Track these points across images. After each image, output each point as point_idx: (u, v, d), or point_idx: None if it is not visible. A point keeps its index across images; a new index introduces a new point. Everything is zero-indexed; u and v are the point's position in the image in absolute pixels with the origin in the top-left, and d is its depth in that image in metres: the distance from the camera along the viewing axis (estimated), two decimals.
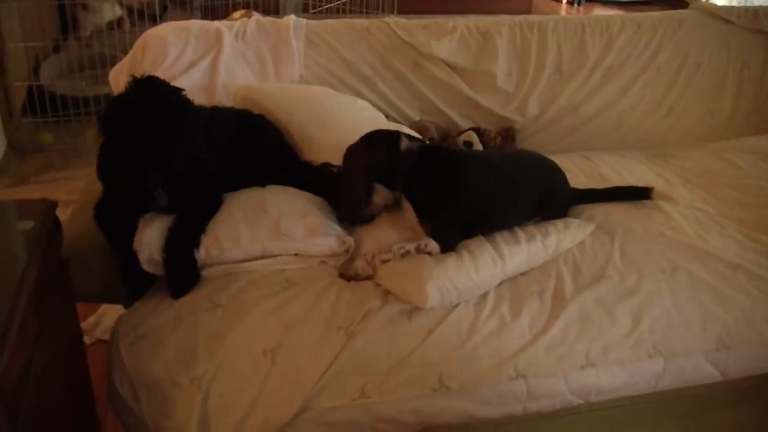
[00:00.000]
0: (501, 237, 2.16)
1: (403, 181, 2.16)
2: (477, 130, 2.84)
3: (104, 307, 2.84)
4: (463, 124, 2.94)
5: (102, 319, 2.79)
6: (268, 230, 2.06)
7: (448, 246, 2.09)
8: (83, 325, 2.71)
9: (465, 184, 2.16)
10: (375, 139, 2.19)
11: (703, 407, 2.18)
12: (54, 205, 1.64)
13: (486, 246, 2.10)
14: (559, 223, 2.26)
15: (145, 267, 1.97)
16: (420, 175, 2.15)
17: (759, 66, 3.25)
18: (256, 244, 2.05)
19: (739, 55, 3.24)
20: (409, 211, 2.16)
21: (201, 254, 2.01)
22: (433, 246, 2.07)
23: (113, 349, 1.92)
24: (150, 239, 1.99)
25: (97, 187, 2.12)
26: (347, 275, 2.08)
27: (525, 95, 2.99)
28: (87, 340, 2.68)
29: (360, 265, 2.08)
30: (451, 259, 2.02)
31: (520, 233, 2.18)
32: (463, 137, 2.78)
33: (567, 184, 2.42)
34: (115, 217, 2.04)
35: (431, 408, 1.86)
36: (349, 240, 2.12)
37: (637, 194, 2.53)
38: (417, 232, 2.13)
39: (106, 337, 2.42)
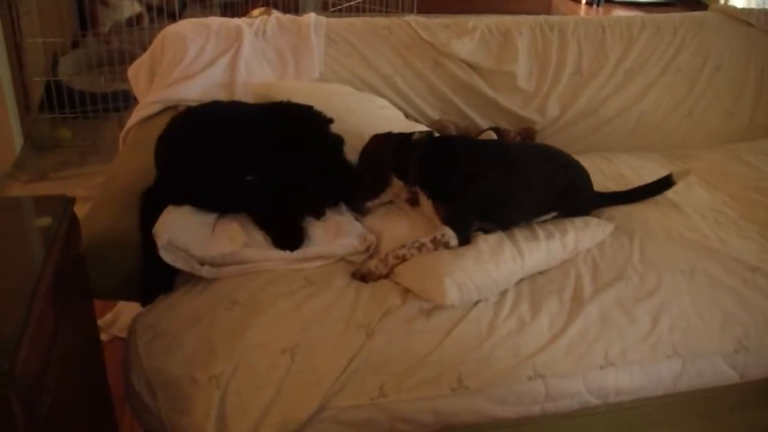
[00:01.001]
0: (520, 234, 2.15)
1: (417, 172, 2.18)
2: (496, 130, 2.83)
3: (121, 304, 2.84)
4: (483, 123, 2.93)
5: (119, 316, 2.80)
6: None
7: (463, 232, 2.09)
8: (99, 322, 2.72)
9: (479, 170, 2.18)
10: (385, 135, 2.25)
11: (721, 409, 2.18)
12: (72, 201, 1.64)
13: (505, 242, 2.09)
14: (578, 222, 2.26)
15: (162, 253, 1.95)
16: (433, 163, 2.17)
17: None
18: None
19: (758, 57, 3.22)
20: (424, 200, 2.18)
21: (220, 249, 2.01)
22: (449, 233, 2.07)
23: (130, 346, 1.92)
24: (172, 223, 1.99)
25: (115, 185, 2.13)
26: (360, 273, 2.07)
27: (545, 96, 2.98)
28: (103, 337, 2.69)
29: (373, 264, 2.07)
30: (470, 255, 2.01)
31: (539, 231, 2.18)
32: (483, 137, 2.77)
33: (590, 183, 2.41)
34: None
35: (449, 408, 1.85)
36: (371, 237, 2.12)
37: (660, 187, 2.51)
38: (434, 223, 2.14)
39: (123, 334, 2.43)
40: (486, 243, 2.07)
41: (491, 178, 2.19)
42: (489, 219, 2.18)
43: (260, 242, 2.07)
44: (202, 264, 2.01)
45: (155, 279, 2.03)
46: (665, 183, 2.50)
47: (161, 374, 1.84)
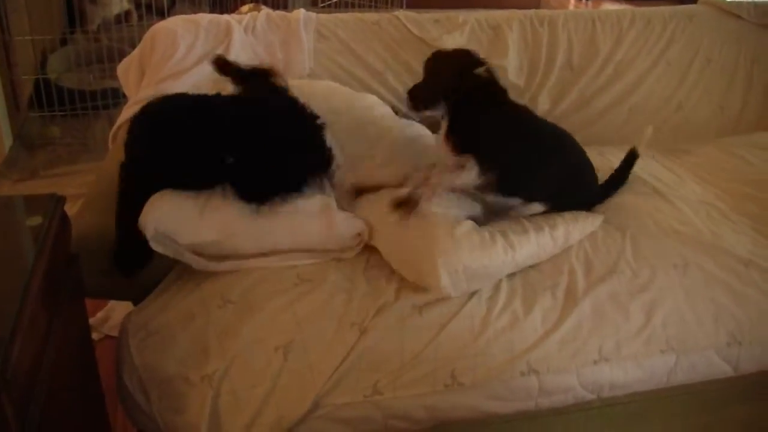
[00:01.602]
0: (509, 227, 2.13)
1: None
2: None
3: (112, 302, 2.84)
4: None
5: (111, 314, 2.79)
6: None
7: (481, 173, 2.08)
8: (91, 321, 2.71)
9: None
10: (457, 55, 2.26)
11: (715, 403, 2.18)
12: (62, 200, 1.63)
13: (496, 234, 2.08)
14: (568, 215, 2.25)
15: (152, 244, 1.94)
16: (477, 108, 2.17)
17: None
18: (267, 238, 2.04)
19: (749, 50, 3.22)
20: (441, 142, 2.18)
21: (209, 236, 2.00)
22: (471, 163, 2.06)
23: (122, 345, 1.92)
24: (158, 212, 1.97)
25: (106, 182, 2.12)
26: (399, 200, 2.07)
27: (536, 90, 2.98)
28: (95, 336, 2.68)
29: (419, 192, 2.07)
30: (464, 243, 2.00)
31: (528, 224, 2.16)
32: None
33: (595, 178, 2.42)
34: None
35: (444, 404, 1.86)
36: (365, 232, 2.11)
37: (629, 163, 2.51)
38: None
39: (115, 333, 2.42)
40: (478, 234, 2.06)
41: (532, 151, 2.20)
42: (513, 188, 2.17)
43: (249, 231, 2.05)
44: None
45: (132, 253, 2.01)
46: (632, 157, 2.50)
47: (154, 373, 1.83)
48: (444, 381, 1.84)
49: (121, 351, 1.91)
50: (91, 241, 1.95)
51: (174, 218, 1.97)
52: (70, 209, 1.71)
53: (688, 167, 2.77)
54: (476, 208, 2.16)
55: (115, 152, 2.45)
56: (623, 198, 2.51)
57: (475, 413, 1.89)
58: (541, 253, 2.14)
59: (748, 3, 3.28)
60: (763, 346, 2.10)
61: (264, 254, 2.06)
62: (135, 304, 2.03)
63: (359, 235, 2.11)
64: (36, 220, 1.54)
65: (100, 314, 2.81)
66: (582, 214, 2.28)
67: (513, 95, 2.89)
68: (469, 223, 2.08)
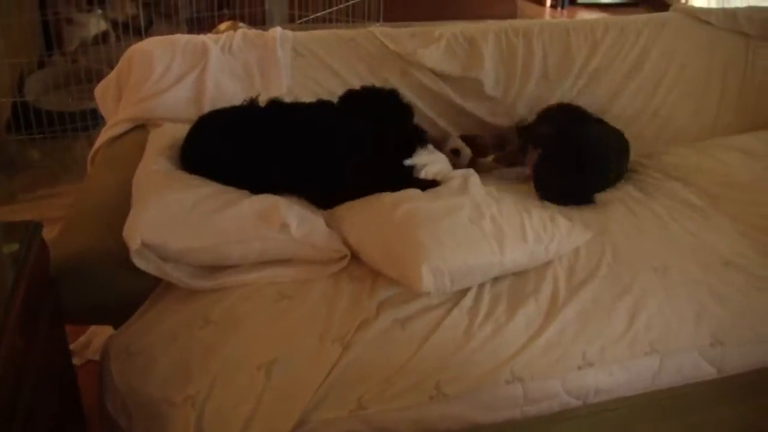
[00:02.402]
0: (510, 230, 2.15)
1: None
2: (467, 137, 2.85)
3: (94, 327, 2.82)
4: (453, 131, 2.93)
5: (92, 339, 2.77)
6: (272, 221, 2.06)
7: None
8: (73, 345, 2.69)
9: None
10: None
11: (700, 404, 2.19)
12: (39, 226, 1.63)
13: (488, 236, 2.09)
14: (564, 228, 2.27)
15: (134, 259, 1.93)
16: None
17: (740, 66, 3.26)
18: (252, 230, 2.05)
19: (721, 55, 3.25)
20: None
21: (201, 241, 2.01)
22: None
23: (104, 369, 1.90)
24: (147, 220, 1.97)
25: (85, 205, 2.13)
26: None
27: (513, 101, 3.00)
28: (77, 361, 2.66)
29: None
30: (448, 242, 2.02)
31: (530, 233, 2.18)
32: (450, 144, 2.78)
33: None
34: None
35: (429, 416, 1.85)
36: (345, 249, 2.12)
37: None
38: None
39: (97, 357, 2.40)
40: (464, 231, 2.08)
41: None
42: None
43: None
44: (179, 262, 2.00)
45: None
46: None
47: (136, 396, 1.82)
48: (429, 393, 1.84)
49: (103, 375, 1.90)
50: (71, 266, 1.93)
51: (162, 225, 1.97)
52: (50, 232, 1.71)
53: (665, 171, 2.79)
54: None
55: (94, 174, 2.45)
56: (603, 204, 2.53)
57: (461, 424, 1.88)
58: (530, 262, 2.16)
59: (718, 9, 3.33)
60: (745, 346, 2.11)
61: (251, 265, 2.07)
62: (116, 327, 2.02)
63: (340, 250, 2.11)
64: (13, 247, 1.54)
65: (81, 339, 2.78)
66: (576, 228, 2.31)
67: (490, 107, 2.96)
68: (460, 218, 2.11)
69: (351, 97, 2.41)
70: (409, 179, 2.37)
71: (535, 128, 2.86)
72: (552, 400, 1.95)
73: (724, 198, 2.60)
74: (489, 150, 2.86)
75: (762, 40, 3.28)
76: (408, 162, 2.44)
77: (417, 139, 2.44)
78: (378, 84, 2.72)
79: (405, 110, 2.42)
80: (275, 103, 2.36)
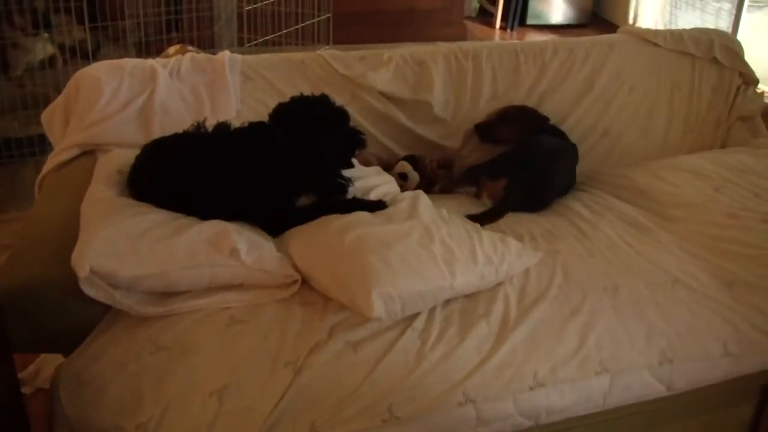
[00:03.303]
0: (461, 252, 2.16)
1: None
2: (412, 158, 2.86)
3: (44, 355, 2.78)
4: (403, 154, 2.94)
5: (42, 368, 2.73)
6: (221, 247, 2.05)
7: None
8: (23, 374, 2.65)
9: None
10: None
11: (650, 423, 2.22)
12: None
13: (438, 259, 2.10)
14: (514, 250, 2.28)
15: (83, 286, 1.91)
16: None
17: (687, 86, 3.31)
18: (202, 256, 2.04)
19: (668, 75, 3.29)
20: None
21: (151, 269, 1.99)
22: None
23: (54, 398, 1.88)
24: (96, 247, 1.95)
25: (33, 232, 2.10)
26: None
27: (462, 123, 3.02)
28: (27, 390, 2.62)
29: None
30: (398, 268, 2.02)
31: (480, 255, 2.19)
32: (397, 168, 2.79)
33: None
34: None
35: None
36: (296, 274, 2.11)
37: None
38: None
39: (47, 386, 2.37)
40: (416, 257, 2.08)
41: None
42: None
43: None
44: (128, 289, 1.98)
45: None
46: None
47: (87, 425, 1.80)
48: (381, 416, 1.84)
49: (53, 404, 1.87)
50: (19, 294, 1.91)
51: (111, 253, 1.95)
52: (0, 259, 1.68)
53: (614, 192, 2.82)
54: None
55: (42, 200, 2.42)
56: (553, 224, 2.55)
57: None
58: (481, 285, 2.17)
59: (664, 31, 3.37)
60: (694, 363, 2.13)
61: (202, 290, 2.06)
62: (66, 355, 2.00)
63: (291, 275, 2.10)
64: None
65: (31, 367, 2.74)
66: (527, 250, 2.33)
67: (440, 130, 2.97)
68: (409, 243, 2.11)
69: (282, 111, 2.40)
70: (355, 201, 2.36)
71: (495, 128, 2.96)
72: (504, 421, 1.96)
73: (673, 218, 2.63)
74: (436, 172, 2.88)
75: (708, 61, 3.34)
76: (348, 174, 2.43)
77: (355, 141, 2.42)
78: None
79: (338, 113, 2.40)
80: (221, 128, 2.34)
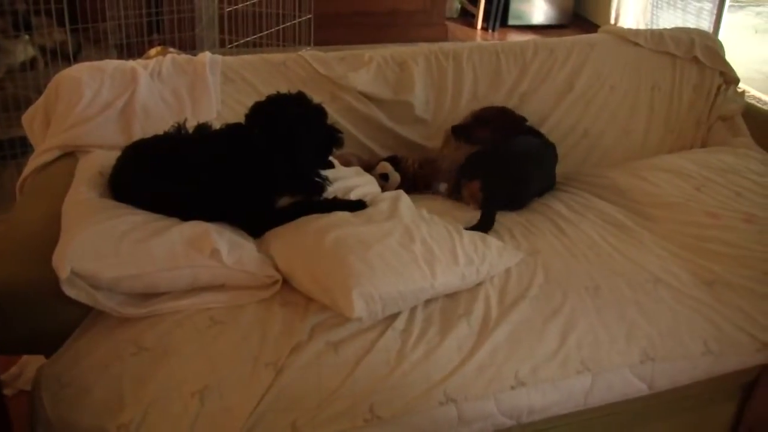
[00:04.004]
0: (441, 253, 2.16)
1: None
2: (393, 158, 2.86)
3: (26, 357, 2.77)
4: (384, 155, 2.95)
5: (24, 369, 2.72)
6: (202, 248, 2.05)
7: None
8: (4, 376, 2.65)
9: None
10: None
11: (632, 422, 2.23)
12: None
13: (419, 260, 2.10)
14: (495, 249, 2.29)
15: (64, 288, 1.90)
16: None
17: (668, 86, 3.33)
18: (183, 257, 2.03)
19: (648, 75, 3.30)
20: None
21: (129, 270, 1.99)
22: None
23: (36, 399, 1.87)
24: (77, 248, 1.94)
25: (15, 234, 2.09)
26: None
27: (443, 124, 3.02)
28: (9, 391, 2.61)
29: None
30: (378, 268, 2.02)
31: (461, 255, 2.19)
32: (378, 169, 2.80)
33: None
34: None
35: None
36: (277, 274, 2.11)
37: None
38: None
39: (30, 388, 2.36)
40: (396, 257, 2.09)
41: None
42: None
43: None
44: (110, 291, 1.98)
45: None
46: None
47: (68, 427, 1.79)
48: (363, 416, 1.84)
49: (34, 406, 1.87)
50: (1, 296, 1.90)
51: (92, 254, 1.95)
52: None
53: (595, 191, 2.83)
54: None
55: (23, 203, 2.41)
56: (534, 224, 2.56)
57: None
58: (462, 285, 2.17)
59: (645, 31, 3.38)
60: (675, 362, 2.14)
61: (183, 292, 2.06)
62: (47, 357, 1.99)
63: (272, 276, 2.10)
64: None
65: (13, 369, 2.73)
66: (506, 250, 2.33)
67: (421, 130, 2.97)
68: (390, 243, 2.11)
69: (258, 111, 2.38)
70: (336, 201, 2.36)
71: (470, 129, 2.94)
72: (486, 420, 1.97)
73: (654, 218, 2.64)
74: (417, 172, 2.88)
75: (689, 61, 3.36)
76: (328, 174, 2.42)
77: (333, 139, 2.41)
78: None
79: (315, 111, 2.39)
80: (202, 129, 2.34)
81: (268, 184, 2.29)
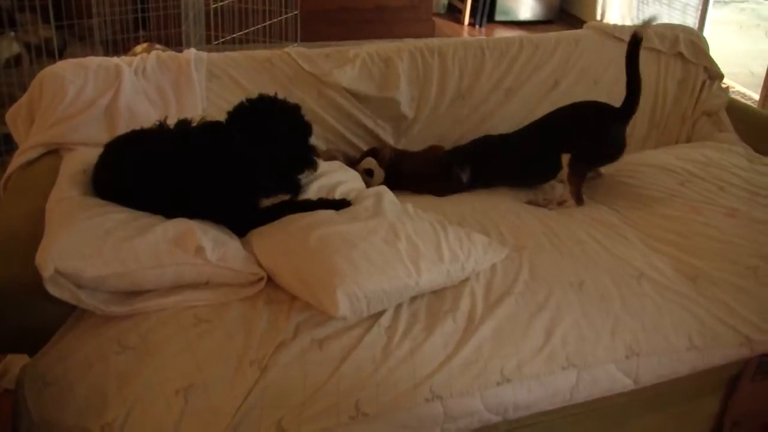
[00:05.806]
0: (426, 249, 2.16)
1: None
2: (374, 151, 2.86)
3: (11, 355, 2.76)
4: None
5: (9, 368, 2.71)
6: (186, 246, 2.04)
7: None
8: None
9: None
10: None
11: (618, 416, 2.23)
12: None
13: (404, 258, 2.10)
14: (480, 245, 2.29)
15: (48, 286, 1.89)
16: None
17: (653, 82, 3.34)
18: (167, 255, 2.03)
19: None
20: None
21: (113, 269, 1.97)
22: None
23: (19, 398, 1.87)
24: (60, 246, 1.94)
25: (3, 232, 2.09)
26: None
27: (428, 119, 3.03)
28: None
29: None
30: (363, 266, 2.02)
31: (446, 252, 2.19)
32: (363, 165, 2.80)
33: None
34: None
35: None
36: (261, 272, 2.11)
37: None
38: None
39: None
40: (381, 255, 2.08)
41: None
42: None
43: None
44: (94, 289, 1.97)
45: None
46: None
47: (52, 426, 1.79)
48: (348, 413, 1.84)
49: (18, 404, 1.87)
50: None
51: (76, 253, 1.94)
52: None
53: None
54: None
55: (7, 200, 2.40)
56: (519, 219, 2.56)
57: None
58: (447, 281, 2.17)
59: (630, 26, 3.38)
60: (660, 356, 2.15)
61: (167, 289, 2.05)
62: (31, 356, 1.99)
63: (256, 273, 2.10)
64: None
65: None
66: (492, 246, 2.33)
67: (406, 126, 2.96)
68: (374, 241, 2.11)
69: (239, 112, 2.37)
70: (320, 200, 2.36)
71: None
72: (472, 417, 1.96)
73: (638, 213, 2.65)
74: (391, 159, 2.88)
75: (673, 56, 3.36)
76: (302, 177, 2.43)
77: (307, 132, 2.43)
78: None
79: (290, 110, 2.40)
80: (182, 125, 2.32)
81: (248, 183, 2.28)
